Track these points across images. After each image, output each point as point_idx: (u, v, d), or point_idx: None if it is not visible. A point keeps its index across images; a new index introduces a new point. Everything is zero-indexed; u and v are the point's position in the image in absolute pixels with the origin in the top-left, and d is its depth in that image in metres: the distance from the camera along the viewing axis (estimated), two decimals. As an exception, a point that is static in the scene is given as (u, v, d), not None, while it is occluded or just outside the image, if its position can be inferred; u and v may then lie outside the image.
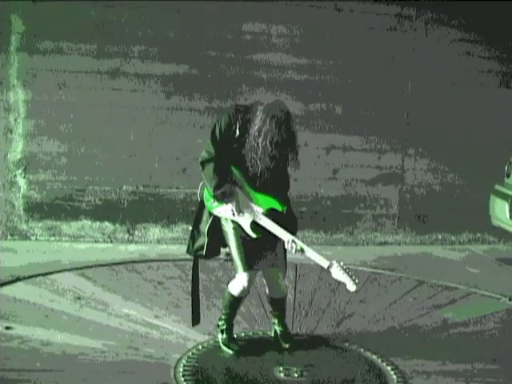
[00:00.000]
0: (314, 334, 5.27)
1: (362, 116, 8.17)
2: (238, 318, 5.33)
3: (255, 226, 4.56)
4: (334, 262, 4.40)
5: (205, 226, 4.85)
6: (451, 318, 5.91)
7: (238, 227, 4.67)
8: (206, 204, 4.79)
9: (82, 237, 7.73)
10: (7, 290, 5.85)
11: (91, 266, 6.67)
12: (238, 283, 4.79)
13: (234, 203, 4.57)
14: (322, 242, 8.08)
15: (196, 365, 4.69)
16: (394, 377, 4.68)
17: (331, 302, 5.92)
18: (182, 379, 4.47)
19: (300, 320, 5.52)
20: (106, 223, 7.80)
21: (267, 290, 4.96)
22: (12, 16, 7.30)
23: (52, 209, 7.65)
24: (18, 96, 7.44)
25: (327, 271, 4.44)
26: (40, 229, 7.65)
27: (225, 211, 4.64)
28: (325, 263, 4.43)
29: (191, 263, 6.90)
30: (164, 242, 7.89)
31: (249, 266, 4.69)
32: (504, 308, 6.29)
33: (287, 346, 4.95)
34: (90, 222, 7.76)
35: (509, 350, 5.28)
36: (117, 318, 5.41)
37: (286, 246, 4.47)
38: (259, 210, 4.56)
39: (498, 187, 7.84)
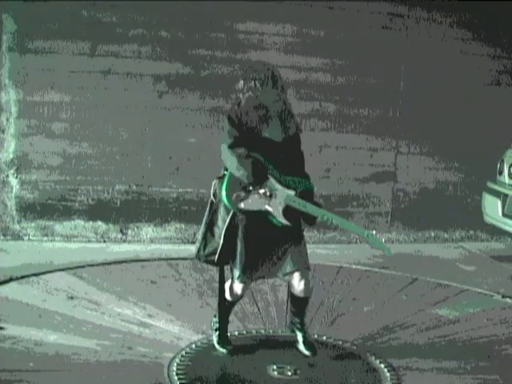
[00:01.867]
0: (308, 332, 5.26)
1: (354, 114, 8.18)
2: (231, 316, 5.33)
3: (288, 212, 4.44)
4: (372, 231, 4.48)
5: (221, 229, 4.61)
6: (444, 315, 5.92)
7: (251, 230, 4.51)
8: (225, 201, 4.49)
9: (74, 236, 7.72)
10: (0, 290, 5.84)
11: (84, 266, 6.66)
12: (232, 289, 4.71)
13: (268, 187, 4.42)
14: (315, 240, 8.07)
15: (189, 364, 4.68)
16: (388, 374, 4.68)
17: (324, 301, 5.92)
18: (176, 378, 4.46)
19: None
20: (99, 223, 7.79)
21: (290, 287, 4.78)
22: (3, 16, 7.29)
23: (45, 209, 7.64)
24: (9, 96, 7.43)
25: (366, 241, 4.50)
26: (33, 229, 7.64)
27: (254, 202, 4.45)
28: (362, 232, 4.50)
29: (184, 262, 6.97)
30: (157, 241, 7.88)
31: (248, 275, 4.57)
32: (497, 305, 6.30)
33: (309, 354, 4.77)
34: (82, 222, 7.75)
35: (502, 346, 5.29)
36: (110, 317, 5.40)
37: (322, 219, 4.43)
38: (291, 192, 4.45)
39: (490, 185, 7.86)
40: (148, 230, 7.90)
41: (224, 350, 4.85)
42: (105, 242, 7.76)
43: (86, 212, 7.76)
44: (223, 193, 4.48)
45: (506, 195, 7.51)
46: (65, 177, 7.64)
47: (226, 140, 4.48)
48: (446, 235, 8.82)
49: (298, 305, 4.83)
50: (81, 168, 7.66)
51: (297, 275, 4.61)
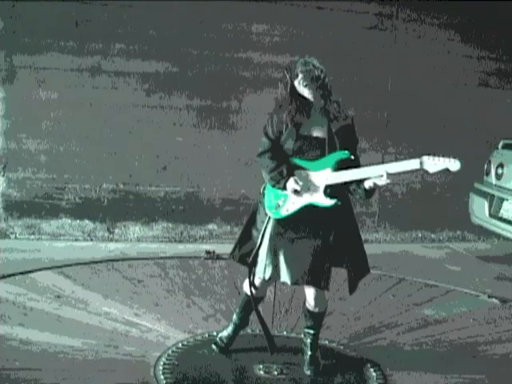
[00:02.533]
0: (294, 331, 5.26)
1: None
2: (218, 316, 5.35)
3: (331, 191, 4.34)
4: (424, 156, 4.30)
5: (259, 231, 4.54)
6: (431, 315, 5.93)
7: (282, 232, 4.46)
8: (268, 211, 4.48)
9: (61, 235, 7.70)
10: (-14, 289, 5.82)
11: (71, 265, 6.64)
12: (252, 284, 4.64)
13: (294, 179, 4.36)
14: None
15: (176, 363, 4.67)
16: (374, 374, 4.69)
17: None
18: (162, 377, 4.45)
19: (280, 318, 5.53)
20: (86, 221, 7.78)
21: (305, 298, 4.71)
22: (-10, 13, 7.27)
23: (31, 207, 7.62)
24: (-3, 94, 7.41)
25: (423, 169, 4.30)
26: (19, 227, 7.61)
27: (295, 202, 4.41)
28: (415, 163, 4.29)
29: (171, 261, 6.96)
30: (144, 240, 7.88)
31: (269, 274, 4.48)
32: (483, 305, 6.32)
33: (308, 372, 4.65)
34: (69, 221, 7.73)
35: (488, 346, 5.31)
36: (97, 316, 5.39)
37: (380, 183, 4.26)
38: (327, 171, 4.35)
39: (477, 185, 7.88)
40: (135, 229, 7.89)
41: (214, 348, 4.86)
42: (92, 240, 7.75)
43: (73, 210, 7.74)
44: (265, 203, 4.53)
45: (492, 196, 7.54)
46: (52, 175, 7.63)
47: (259, 149, 4.54)
48: (432, 235, 8.85)
49: (310, 319, 4.73)
50: (68, 166, 7.64)
51: (312, 291, 4.55)
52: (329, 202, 4.33)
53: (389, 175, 4.21)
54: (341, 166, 4.33)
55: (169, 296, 6.01)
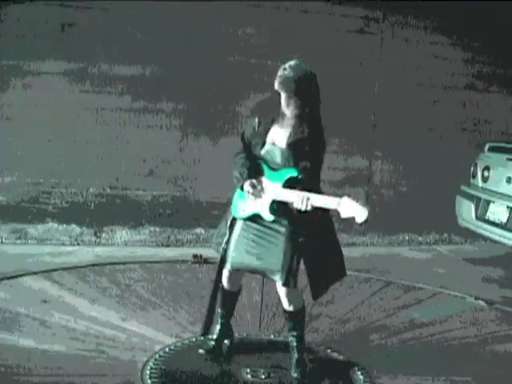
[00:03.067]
0: (282, 335, 5.26)
1: (328, 117, 8.16)
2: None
3: (276, 206, 4.36)
4: (345, 197, 4.16)
5: (227, 220, 4.70)
6: (418, 317, 5.94)
7: (246, 224, 4.53)
8: (232, 210, 4.63)
9: (48, 239, 7.67)
10: (-28, 294, 5.80)
11: (57, 269, 6.60)
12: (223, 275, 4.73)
13: (251, 182, 4.40)
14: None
15: (163, 367, 4.66)
16: (361, 377, 4.69)
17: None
18: (149, 381, 4.43)
19: (267, 321, 5.52)
20: (73, 226, 7.75)
21: None
22: (-24, 17, 7.24)
23: (18, 211, 7.59)
24: (-18, 98, 7.38)
25: (337, 210, 4.16)
26: (5, 232, 7.57)
27: (248, 206, 4.50)
28: (333, 202, 4.16)
29: (158, 265, 6.96)
30: (131, 244, 7.85)
31: (230, 263, 4.57)
32: (470, 307, 6.34)
33: (295, 375, 4.62)
34: (56, 225, 7.71)
35: (475, 348, 5.33)
36: (83, 321, 5.36)
37: (297, 206, 4.19)
38: (277, 184, 4.36)
39: (464, 188, 7.91)
40: (122, 233, 7.87)
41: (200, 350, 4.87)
42: (79, 245, 7.71)
43: (60, 215, 7.72)
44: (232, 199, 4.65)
45: (479, 198, 7.57)
46: (38, 179, 7.60)
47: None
48: (420, 238, 8.88)
49: (289, 319, 4.73)
50: (54, 171, 7.62)
51: (282, 288, 4.53)
52: (268, 217, 4.40)
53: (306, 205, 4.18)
54: (291, 183, 4.33)
55: (156, 300, 5.99)
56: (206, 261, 7.03)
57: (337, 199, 4.13)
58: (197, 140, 7.92)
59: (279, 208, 4.37)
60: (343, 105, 8.15)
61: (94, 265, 6.90)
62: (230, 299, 4.90)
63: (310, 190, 4.23)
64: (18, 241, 7.60)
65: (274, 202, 4.37)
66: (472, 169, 7.88)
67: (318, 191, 4.33)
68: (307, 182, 4.30)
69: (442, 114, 8.60)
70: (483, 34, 8.54)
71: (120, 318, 5.49)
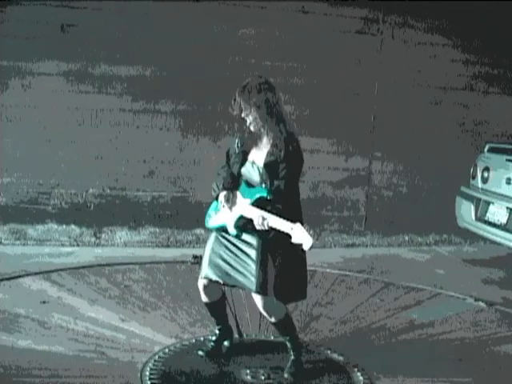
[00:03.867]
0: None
1: (329, 118, 8.19)
2: (205, 321, 5.33)
3: (240, 221, 4.43)
4: (298, 224, 4.13)
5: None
6: (418, 318, 5.94)
7: (219, 235, 4.60)
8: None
9: (47, 240, 7.66)
10: (-29, 295, 5.79)
11: (57, 270, 6.60)
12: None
13: (225, 194, 4.46)
14: (289, 244, 8.08)
15: (163, 368, 4.66)
16: (361, 378, 4.69)
17: (298, 304, 5.88)
18: (149, 382, 4.43)
19: (267, 322, 5.51)
20: (73, 226, 7.75)
21: None
22: (-24, 18, 7.24)
23: (17, 212, 7.58)
24: (-18, 99, 7.38)
25: (288, 235, 4.16)
26: (5, 232, 7.57)
27: (219, 217, 4.60)
28: (287, 227, 4.14)
29: (158, 266, 6.96)
30: (131, 245, 7.85)
31: (204, 273, 4.60)
32: (470, 308, 6.34)
33: (286, 376, 4.61)
34: (56, 226, 7.70)
35: (475, 349, 5.33)
36: (83, 322, 5.36)
37: (255, 224, 4.25)
38: (247, 201, 4.41)
39: (463, 189, 7.91)
40: (122, 234, 7.87)
41: (199, 353, 4.87)
42: (78, 245, 7.71)
43: (60, 215, 7.71)
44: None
45: (478, 199, 7.57)
46: (38, 180, 7.59)
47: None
48: (419, 239, 8.87)
49: (276, 328, 4.75)
50: (54, 171, 7.61)
51: (258, 300, 4.53)
52: (232, 231, 4.46)
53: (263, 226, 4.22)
54: (260, 203, 4.35)
55: (156, 301, 5.99)
56: (205, 262, 7.02)
57: (290, 225, 4.14)
58: (197, 141, 7.92)
59: (245, 224, 4.41)
60: (343, 105, 8.17)
61: (93, 265, 6.90)
62: (214, 309, 4.90)
63: (277, 209, 4.28)
64: (18, 241, 7.59)
65: (241, 217, 4.43)
66: (472, 170, 7.89)
67: (291, 210, 4.38)
68: (274, 203, 4.32)
69: (441, 114, 8.60)
70: (483, 35, 8.54)
71: (120, 318, 5.49)
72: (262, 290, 4.44)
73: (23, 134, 7.46)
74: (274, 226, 4.21)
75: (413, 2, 8.27)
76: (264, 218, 4.21)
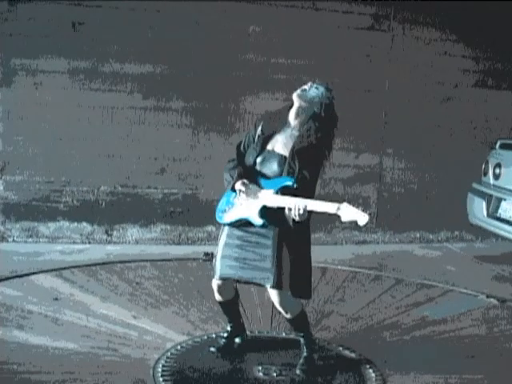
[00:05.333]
0: (293, 333, 5.25)
1: (340, 115, 8.15)
2: (216, 317, 5.34)
3: (266, 211, 4.37)
4: (344, 203, 4.14)
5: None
6: (429, 315, 5.93)
7: (231, 232, 4.57)
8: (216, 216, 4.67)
9: (59, 238, 7.69)
10: (-16, 292, 5.82)
11: (69, 267, 6.63)
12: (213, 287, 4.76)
13: (243, 181, 4.42)
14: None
15: (175, 365, 4.67)
16: (373, 375, 4.69)
17: (310, 301, 5.90)
18: (161, 379, 4.44)
19: (279, 319, 5.51)
20: (84, 224, 7.77)
21: None
22: (-14, 16, 7.26)
23: (29, 210, 7.60)
24: (-7, 97, 7.40)
25: (336, 215, 4.14)
26: (17, 230, 7.60)
27: (235, 211, 4.53)
28: (333, 207, 4.14)
29: (170, 263, 6.97)
30: (142, 242, 7.87)
31: (219, 273, 4.59)
32: (482, 305, 6.32)
33: (297, 372, 4.62)
34: (67, 223, 7.72)
35: (487, 346, 5.32)
36: (95, 318, 5.38)
37: (292, 215, 4.21)
38: (269, 192, 4.37)
39: (475, 186, 7.89)
40: (133, 231, 7.89)
41: (211, 349, 4.88)
42: (90, 243, 7.73)
43: (71, 213, 7.73)
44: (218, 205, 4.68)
45: (490, 196, 7.55)
46: (49, 178, 7.61)
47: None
48: (431, 236, 8.85)
49: (291, 324, 4.77)
50: (65, 169, 7.62)
51: (275, 296, 4.53)
52: (258, 221, 4.39)
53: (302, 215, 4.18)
54: (285, 192, 4.32)
55: (167, 298, 6.00)
56: (217, 259, 7.02)
57: (335, 205, 4.15)
58: (208, 138, 7.92)
59: (269, 214, 4.37)
60: (354, 102, 8.13)
61: (105, 263, 6.92)
62: (228, 308, 4.92)
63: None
64: (30, 239, 7.62)
65: (263, 207, 4.38)
66: (483, 166, 7.86)
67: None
68: (301, 192, 4.29)
69: (452, 111, 8.58)
70: (494, 31, 8.51)
71: (131, 315, 5.50)
72: (278, 284, 4.43)
73: (35, 131, 7.49)
74: (314, 208, 4.19)
75: (423, -1, 8.28)
76: (304, 204, 4.17)
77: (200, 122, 7.88)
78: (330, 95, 4.70)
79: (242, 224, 4.49)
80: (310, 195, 4.32)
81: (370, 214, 4.13)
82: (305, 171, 4.36)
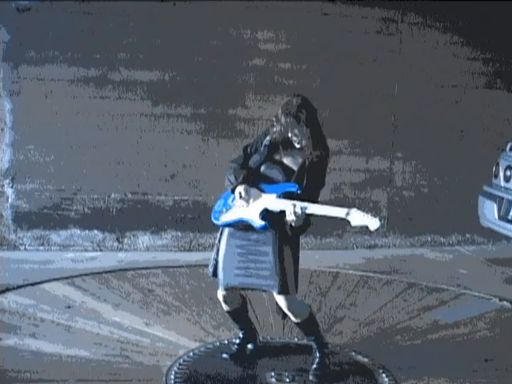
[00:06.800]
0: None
1: (349, 120, 8.17)
2: (229, 324, 5.33)
3: (266, 214, 4.37)
4: (354, 208, 4.18)
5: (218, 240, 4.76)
6: (442, 319, 5.91)
7: (233, 239, 4.56)
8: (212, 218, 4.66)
9: (70, 246, 7.71)
10: (-4, 301, 5.84)
11: (80, 275, 6.63)
12: (219, 297, 4.77)
13: (244, 187, 4.44)
14: (311, 246, 8.09)
15: (187, 372, 4.67)
16: (386, 379, 4.68)
17: (322, 306, 5.92)
18: (174, 386, 4.46)
19: (291, 324, 5.50)
20: (95, 231, 7.78)
21: None
22: (-4, 25, 7.30)
23: (40, 218, 7.62)
24: (4, 105, 7.41)
25: (346, 220, 4.17)
26: (28, 238, 7.62)
27: (234, 212, 4.54)
28: (342, 212, 4.17)
29: (181, 270, 6.97)
30: (153, 249, 7.87)
31: (223, 284, 4.60)
32: (494, 308, 6.30)
33: (310, 377, 4.61)
34: (78, 231, 7.73)
35: (500, 350, 5.29)
36: (107, 326, 5.39)
37: (287, 217, 4.23)
38: (272, 196, 4.39)
39: (486, 188, 7.85)
40: (144, 239, 7.89)
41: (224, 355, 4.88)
42: (101, 250, 7.75)
43: (82, 221, 7.74)
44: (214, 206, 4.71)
45: (501, 198, 7.51)
46: (60, 186, 7.63)
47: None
48: (442, 239, 8.83)
49: (300, 329, 4.77)
50: (76, 177, 7.64)
51: (282, 301, 4.53)
52: (259, 223, 4.38)
53: (300, 214, 4.19)
54: (287, 197, 4.32)
55: (179, 305, 6.00)
56: (228, 265, 7.02)
57: (344, 210, 4.17)
58: (217, 144, 7.92)
59: (270, 217, 4.38)
60: (363, 106, 8.14)
61: (116, 270, 6.93)
62: (237, 317, 4.92)
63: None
64: (41, 247, 7.64)
65: (264, 210, 4.39)
66: (494, 169, 7.82)
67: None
68: (304, 196, 4.31)
69: (462, 113, 8.55)
70: (503, 33, 8.49)
71: (144, 322, 5.51)
72: (283, 289, 4.43)
73: (45, 140, 7.51)
74: (323, 213, 4.20)
75: (432, 1, 8.24)
76: (295, 206, 4.18)
77: (210, 129, 7.89)
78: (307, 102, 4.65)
79: (241, 229, 4.49)
80: (313, 199, 4.35)
81: (380, 220, 4.13)
82: (311, 182, 4.39)
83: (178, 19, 7.61)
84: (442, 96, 8.49)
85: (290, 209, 4.20)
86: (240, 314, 4.91)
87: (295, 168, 4.44)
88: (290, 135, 4.47)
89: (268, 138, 4.60)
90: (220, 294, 4.70)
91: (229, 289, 4.62)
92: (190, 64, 7.73)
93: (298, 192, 4.31)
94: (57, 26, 7.36)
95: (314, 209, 4.22)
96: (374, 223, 4.08)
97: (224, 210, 4.59)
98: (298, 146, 4.49)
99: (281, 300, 4.51)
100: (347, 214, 4.15)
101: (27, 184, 7.55)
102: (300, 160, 4.45)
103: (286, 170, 4.47)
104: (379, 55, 8.26)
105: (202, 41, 7.70)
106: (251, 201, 4.43)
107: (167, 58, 7.67)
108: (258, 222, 4.39)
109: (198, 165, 7.91)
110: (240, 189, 4.44)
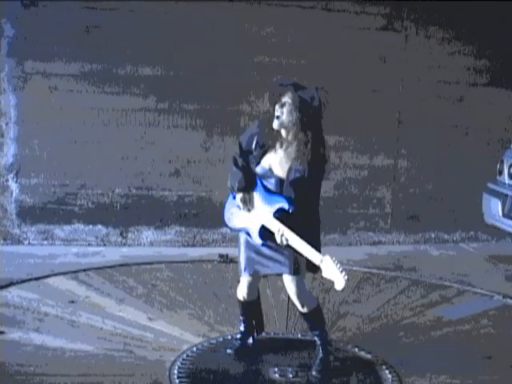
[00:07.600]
0: (309, 334, 5.25)
1: (353, 116, 8.16)
2: (232, 319, 5.34)
3: (264, 231, 4.40)
4: (327, 256, 4.14)
5: None
6: (445, 316, 5.91)
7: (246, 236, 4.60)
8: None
9: (74, 240, 7.71)
10: (0, 295, 5.84)
11: (84, 270, 6.65)
12: (239, 287, 4.77)
13: (243, 196, 4.47)
14: (315, 242, 8.07)
15: (191, 366, 4.68)
16: (389, 376, 4.69)
17: (325, 302, 5.91)
18: (177, 381, 4.46)
19: (294, 320, 5.52)
20: (99, 226, 7.79)
21: None
22: (1, 20, 7.29)
23: (44, 213, 7.63)
24: (8, 100, 7.42)
25: (318, 267, 4.17)
26: (32, 233, 7.63)
27: (241, 219, 4.58)
28: (317, 258, 4.16)
29: (185, 265, 6.98)
30: (157, 244, 7.88)
31: (247, 269, 4.61)
32: (498, 305, 6.30)
33: (314, 373, 4.63)
34: (82, 226, 7.74)
35: (503, 347, 5.29)
36: (111, 321, 5.40)
37: (277, 240, 4.27)
38: (268, 210, 4.37)
39: (490, 185, 7.84)
40: (148, 234, 7.90)
41: (228, 351, 4.90)
42: (105, 245, 7.75)
43: (86, 216, 7.75)
44: (225, 204, 4.73)
45: (506, 195, 7.50)
46: (64, 181, 7.64)
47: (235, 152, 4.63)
48: (446, 236, 8.82)
49: (306, 320, 4.78)
50: (80, 172, 7.65)
51: (292, 289, 4.56)
52: (257, 241, 4.43)
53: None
54: (281, 215, 4.32)
55: (183, 300, 6.01)
56: (231, 260, 7.02)
57: (319, 256, 4.16)
58: (221, 140, 7.92)
59: (267, 234, 4.39)
60: (368, 103, 8.13)
61: (120, 265, 6.94)
62: (252, 308, 4.93)
63: (298, 224, 4.26)
64: (45, 242, 7.65)
65: (262, 227, 4.40)
66: (498, 166, 7.81)
67: (311, 226, 4.39)
68: (297, 218, 4.30)
69: (467, 110, 8.54)
70: (508, 30, 8.47)
71: (147, 317, 5.52)
72: (294, 271, 4.46)
73: (49, 135, 7.51)
74: (300, 250, 4.22)
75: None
76: (284, 236, 4.23)
77: (214, 124, 7.89)
78: (317, 95, 4.64)
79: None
80: (308, 218, 4.37)
81: (347, 279, 4.10)
82: (301, 195, 4.34)
83: (182, 15, 7.60)
84: (447, 93, 8.47)
85: (277, 234, 4.25)
86: (255, 306, 4.92)
87: (284, 177, 4.39)
88: (277, 113, 4.43)
89: (255, 141, 4.52)
90: (244, 280, 4.69)
91: (252, 274, 4.62)
92: (194, 60, 7.72)
93: (291, 211, 4.29)
94: (62, 21, 7.36)
95: (294, 243, 4.23)
96: (340, 281, 4.06)
97: (235, 211, 4.59)
98: (279, 127, 4.41)
99: (291, 285, 4.52)
100: (321, 261, 4.14)
101: (31, 179, 7.56)
102: (287, 167, 4.38)
103: (277, 180, 4.42)
104: (384, 52, 8.24)
105: (207, 37, 7.69)
106: (252, 210, 4.47)
107: (172, 54, 7.66)
108: (256, 240, 4.46)
109: (202, 160, 7.91)
110: (239, 198, 4.49)
